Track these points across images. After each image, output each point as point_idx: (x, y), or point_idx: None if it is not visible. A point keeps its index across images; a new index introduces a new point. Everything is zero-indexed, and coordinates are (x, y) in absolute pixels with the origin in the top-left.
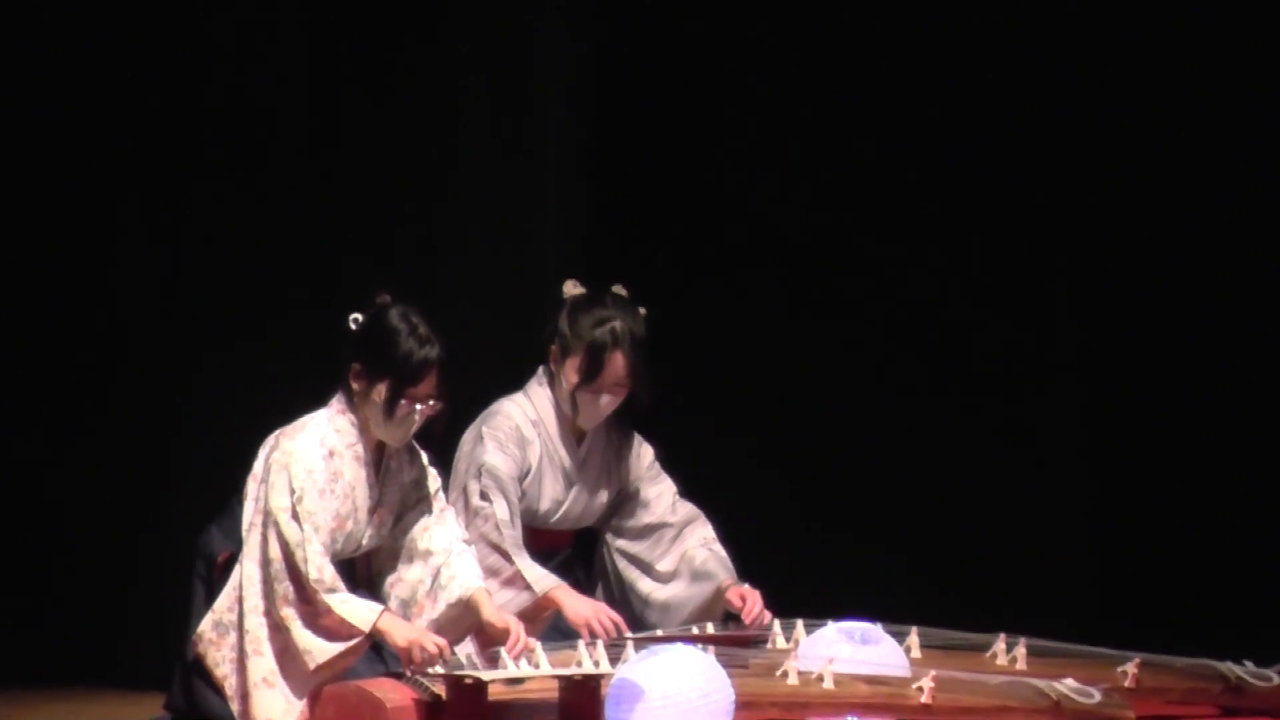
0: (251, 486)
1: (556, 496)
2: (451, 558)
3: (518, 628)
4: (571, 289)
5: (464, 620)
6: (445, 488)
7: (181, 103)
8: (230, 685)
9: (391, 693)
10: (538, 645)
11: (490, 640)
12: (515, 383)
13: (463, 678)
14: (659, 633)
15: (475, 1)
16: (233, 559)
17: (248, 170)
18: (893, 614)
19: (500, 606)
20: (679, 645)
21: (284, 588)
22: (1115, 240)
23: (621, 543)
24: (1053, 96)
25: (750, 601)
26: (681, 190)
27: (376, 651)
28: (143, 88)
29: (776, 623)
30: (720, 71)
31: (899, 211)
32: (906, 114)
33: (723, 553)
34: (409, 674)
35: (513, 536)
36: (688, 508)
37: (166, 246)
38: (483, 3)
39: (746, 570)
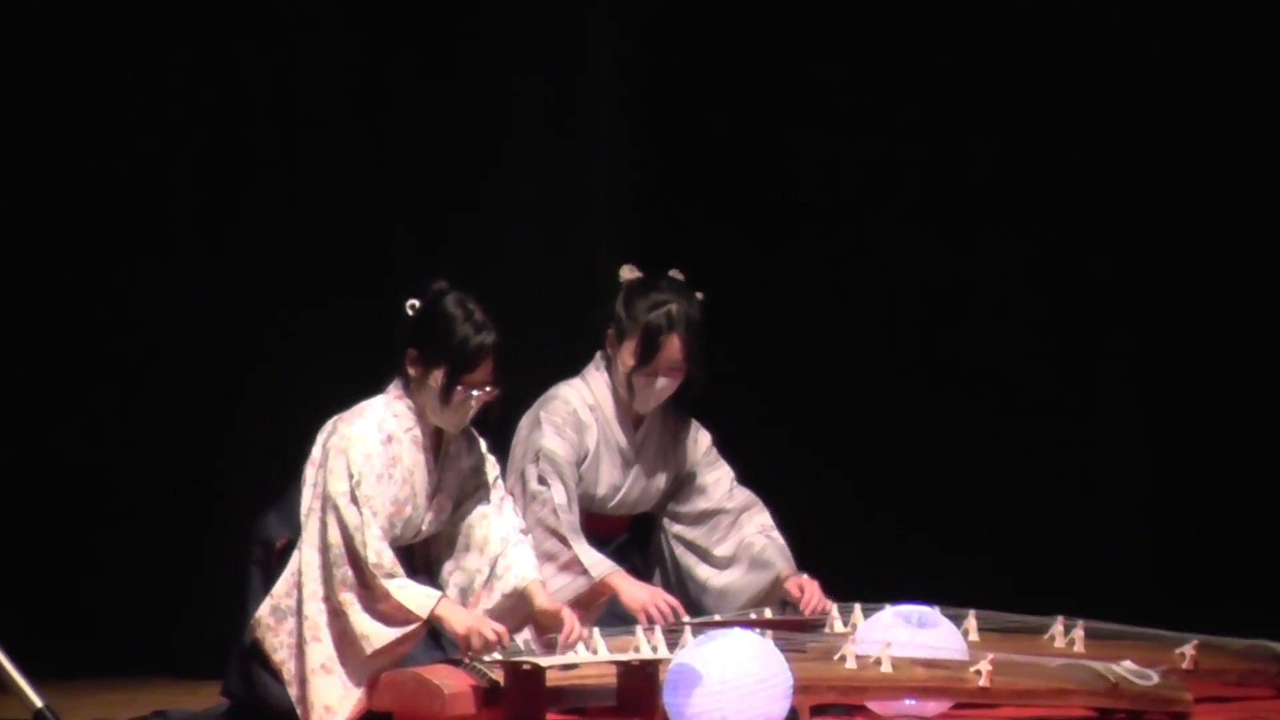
0: (309, 472)
1: (614, 481)
2: (508, 548)
3: (571, 618)
4: (628, 273)
5: (519, 610)
6: (502, 474)
7: (233, 86)
8: (288, 671)
9: (449, 679)
10: (595, 630)
11: (546, 630)
12: (569, 368)
13: (520, 663)
14: (716, 617)
15: None
16: (290, 545)
17: (300, 157)
18: (950, 597)
19: (557, 591)
20: (736, 630)
21: (343, 573)
22: (1168, 228)
23: (679, 528)
24: (1108, 101)
25: (808, 593)
26: (735, 173)
27: (434, 638)
28: (194, 70)
29: (835, 607)
30: (774, 51)
31: (956, 196)
32: (970, 102)
33: (781, 540)
34: (467, 660)
35: (570, 521)
36: (745, 494)
37: (221, 233)
38: None
39: (803, 555)
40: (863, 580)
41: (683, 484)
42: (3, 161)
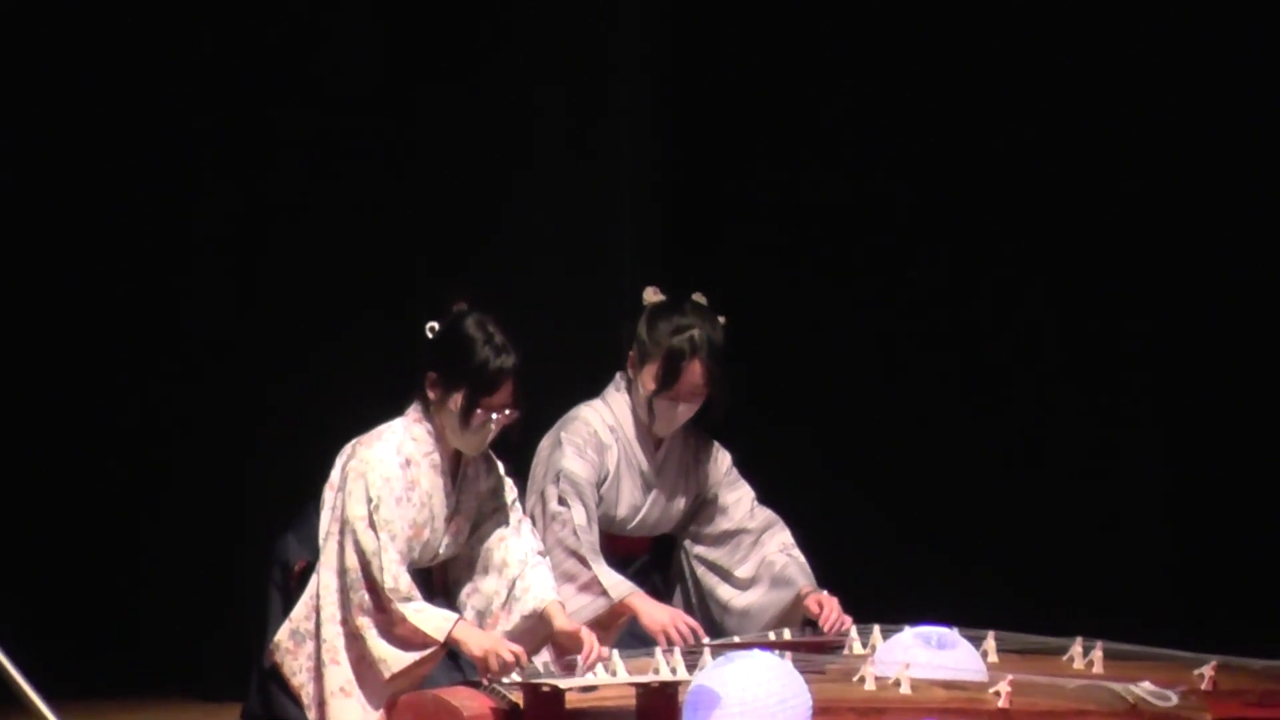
0: (328, 495)
1: (634, 502)
2: (526, 570)
3: (590, 639)
4: (651, 296)
5: (538, 632)
6: (521, 496)
7: (255, 107)
8: (307, 694)
9: (468, 701)
10: (614, 652)
11: (565, 651)
12: (589, 390)
13: (540, 685)
14: (736, 639)
15: (550, 4)
16: (309, 567)
17: (321, 177)
18: (969, 618)
19: (576, 612)
20: (756, 651)
21: (360, 596)
22: (1192, 232)
23: (700, 549)
24: (1128, 109)
25: (827, 609)
26: (759, 195)
27: (453, 660)
28: (216, 92)
29: (854, 628)
30: (798, 73)
31: (982, 210)
32: (998, 112)
33: (801, 558)
34: (486, 682)
35: (590, 542)
36: (766, 513)
37: (241, 256)
38: (558, 6)
39: (822, 575)
40: (881, 601)
41: (704, 505)
42: (20, 188)
